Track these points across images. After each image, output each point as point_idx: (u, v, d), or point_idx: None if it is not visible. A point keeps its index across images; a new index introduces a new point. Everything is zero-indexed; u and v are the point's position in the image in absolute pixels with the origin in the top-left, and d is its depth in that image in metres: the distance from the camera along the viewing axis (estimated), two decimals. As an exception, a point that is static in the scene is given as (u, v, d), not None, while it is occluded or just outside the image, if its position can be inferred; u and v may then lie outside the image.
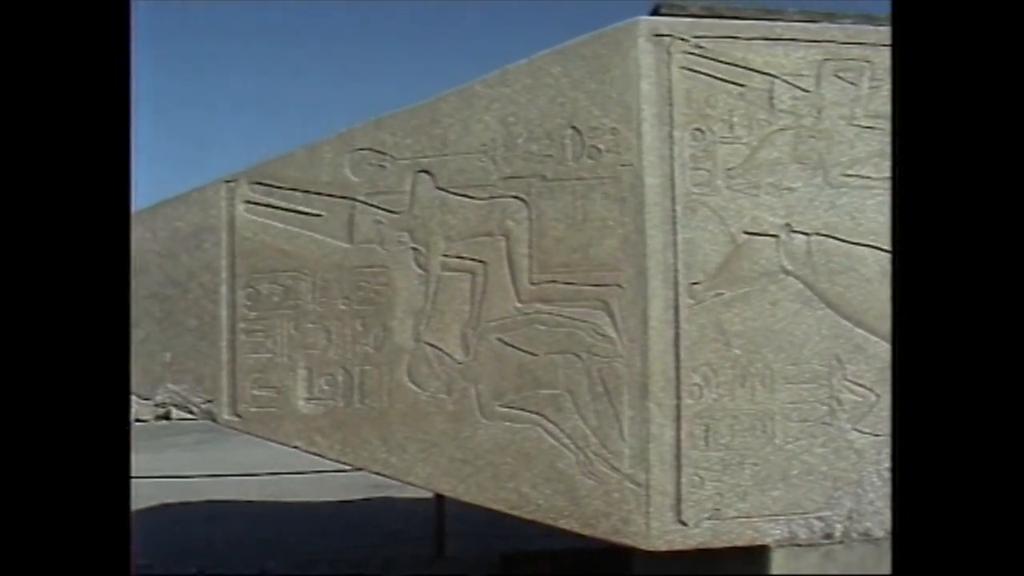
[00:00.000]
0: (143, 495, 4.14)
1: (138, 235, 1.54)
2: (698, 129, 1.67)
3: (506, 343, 1.57)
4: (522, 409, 1.59)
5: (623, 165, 1.65)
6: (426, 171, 1.58)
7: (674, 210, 1.66)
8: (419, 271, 1.53)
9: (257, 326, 1.50)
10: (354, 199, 1.56)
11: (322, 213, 1.52)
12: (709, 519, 1.65)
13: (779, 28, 1.71)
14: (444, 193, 1.58)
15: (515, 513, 1.61)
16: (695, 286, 1.66)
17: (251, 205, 1.52)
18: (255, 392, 1.51)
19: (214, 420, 1.57)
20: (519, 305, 1.59)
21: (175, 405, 1.63)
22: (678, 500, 1.64)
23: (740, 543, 1.67)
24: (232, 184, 1.52)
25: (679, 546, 1.66)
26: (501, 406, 1.58)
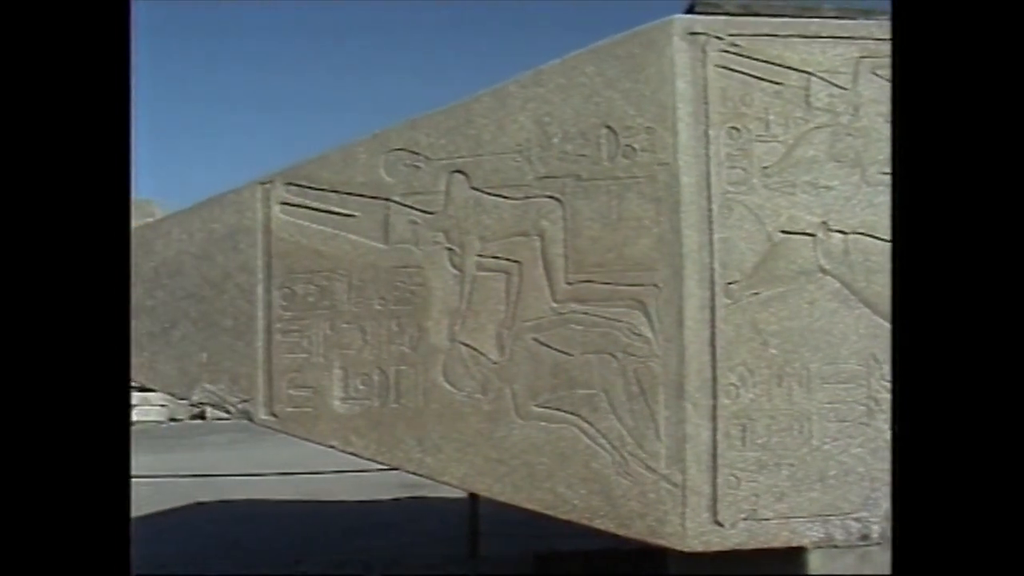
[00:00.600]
0: (178, 493, 4.18)
1: (174, 236, 1.55)
2: (734, 127, 1.66)
3: (541, 343, 1.57)
4: (558, 409, 1.58)
5: (659, 164, 1.64)
6: (461, 171, 1.58)
7: (710, 209, 1.65)
8: (454, 271, 1.53)
9: (293, 326, 1.51)
10: (389, 200, 1.56)
11: (357, 214, 1.53)
12: (745, 520, 1.64)
13: (815, 25, 1.70)
14: (479, 193, 1.58)
15: (551, 513, 1.61)
16: (731, 286, 1.65)
17: (286, 206, 1.52)
18: (291, 392, 1.51)
19: (250, 419, 1.58)
20: (554, 305, 1.58)
21: (211, 404, 1.63)
22: (714, 501, 1.63)
23: (776, 544, 1.66)
24: (267, 186, 1.53)
25: (715, 547, 1.65)
26: (537, 406, 1.58)
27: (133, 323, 1.43)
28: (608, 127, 1.63)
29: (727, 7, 1.73)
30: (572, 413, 1.59)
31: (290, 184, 1.51)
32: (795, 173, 1.67)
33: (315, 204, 1.50)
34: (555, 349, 1.57)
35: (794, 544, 1.67)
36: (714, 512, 1.63)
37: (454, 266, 1.54)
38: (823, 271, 1.66)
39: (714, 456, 1.63)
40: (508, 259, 1.57)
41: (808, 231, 1.67)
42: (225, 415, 1.60)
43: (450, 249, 1.53)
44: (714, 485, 1.63)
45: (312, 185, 1.52)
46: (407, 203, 1.55)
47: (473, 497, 2.80)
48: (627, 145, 1.62)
